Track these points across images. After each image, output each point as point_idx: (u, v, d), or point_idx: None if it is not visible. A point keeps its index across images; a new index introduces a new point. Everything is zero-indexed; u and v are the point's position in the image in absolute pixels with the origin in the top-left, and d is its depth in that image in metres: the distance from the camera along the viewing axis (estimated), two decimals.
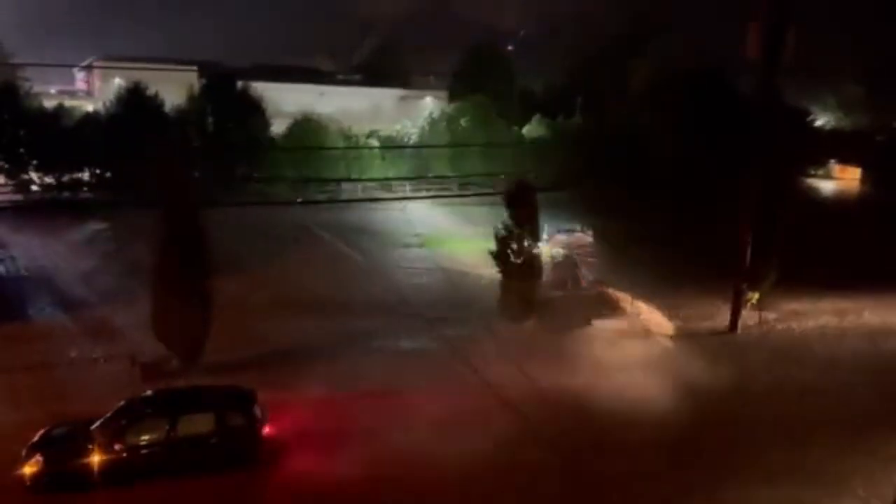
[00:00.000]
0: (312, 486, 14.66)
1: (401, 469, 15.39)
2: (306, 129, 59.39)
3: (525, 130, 63.43)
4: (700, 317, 25.96)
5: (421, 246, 38.63)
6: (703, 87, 48.41)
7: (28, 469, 13.77)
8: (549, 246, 31.04)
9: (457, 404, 18.42)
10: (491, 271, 25.34)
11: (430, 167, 58.24)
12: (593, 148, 52.16)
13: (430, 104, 73.46)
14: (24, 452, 14.10)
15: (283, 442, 15.82)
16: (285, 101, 61.09)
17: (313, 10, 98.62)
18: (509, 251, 23.54)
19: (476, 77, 65.65)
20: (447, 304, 27.06)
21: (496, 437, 16.86)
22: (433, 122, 65.61)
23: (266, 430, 15.32)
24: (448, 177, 57.09)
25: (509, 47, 78.33)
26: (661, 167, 44.91)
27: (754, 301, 25.69)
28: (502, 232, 23.73)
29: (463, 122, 63.20)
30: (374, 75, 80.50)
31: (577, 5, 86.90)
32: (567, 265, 29.80)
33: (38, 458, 13.91)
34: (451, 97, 68.55)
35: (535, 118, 63.48)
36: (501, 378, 20.19)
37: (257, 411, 15.43)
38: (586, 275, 29.68)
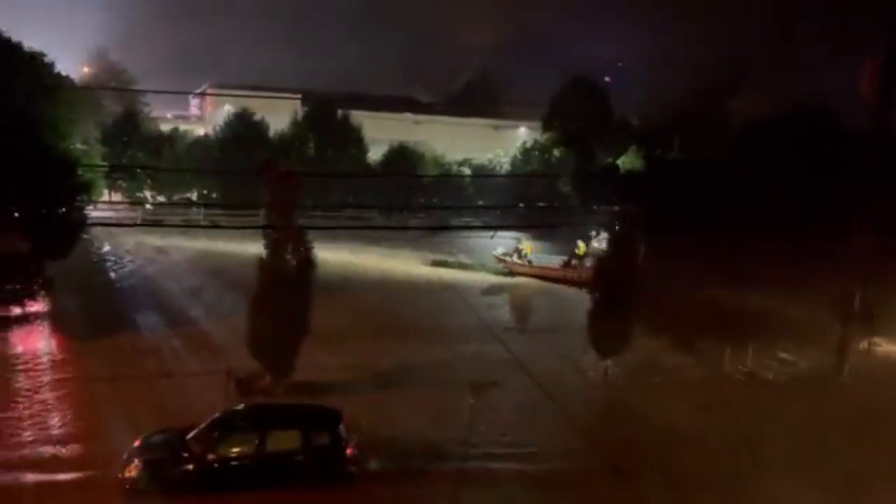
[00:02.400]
0: None
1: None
2: (401, 156, 60.71)
3: (620, 162, 62.58)
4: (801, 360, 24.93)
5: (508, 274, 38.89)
6: (810, 126, 46.45)
7: (128, 473, 14.53)
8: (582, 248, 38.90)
9: None
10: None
11: (522, 196, 58.19)
12: (691, 183, 50.76)
13: (523, 134, 73.64)
14: (124, 456, 14.89)
15: (365, 464, 16.07)
16: (382, 129, 62.72)
17: (411, 41, 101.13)
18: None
19: (571, 107, 65.42)
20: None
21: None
22: (526, 152, 65.76)
23: (350, 450, 15.61)
24: (538, 206, 56.87)
25: (606, 79, 77.74)
26: (763, 208, 43.18)
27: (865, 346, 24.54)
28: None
29: (556, 151, 63.05)
30: (468, 105, 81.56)
31: (677, 39, 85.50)
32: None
33: (138, 462, 14.66)
34: (545, 127, 68.46)
35: (631, 150, 62.58)
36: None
37: (342, 431, 15.75)
38: None
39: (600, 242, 37.30)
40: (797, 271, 33.92)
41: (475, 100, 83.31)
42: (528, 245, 41.59)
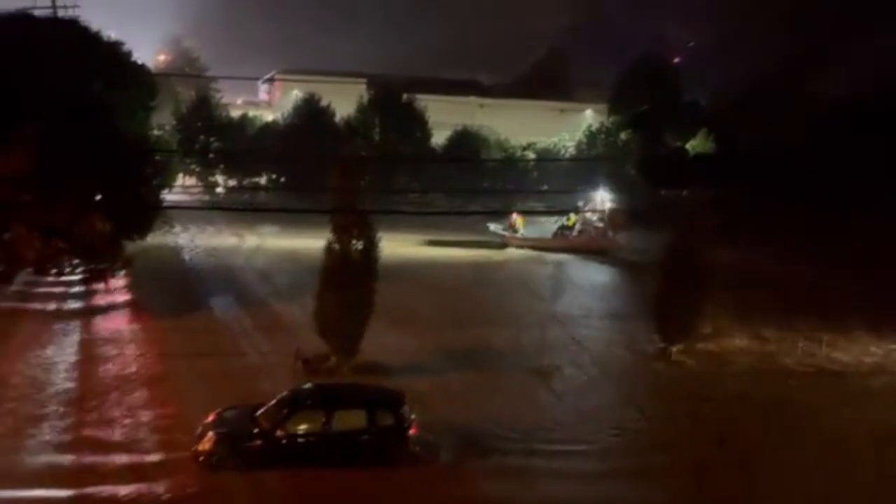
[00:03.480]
0: (456, 488, 14.99)
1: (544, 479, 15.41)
2: (465, 140, 60.64)
3: (689, 145, 61.02)
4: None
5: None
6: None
7: (202, 446, 15.12)
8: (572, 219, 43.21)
9: None
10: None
11: (585, 180, 57.39)
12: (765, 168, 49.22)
13: (589, 117, 72.50)
14: (199, 430, 15.50)
15: (428, 445, 16.30)
16: (446, 112, 62.70)
17: (477, 24, 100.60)
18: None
19: (639, 89, 64.01)
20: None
21: None
22: (591, 135, 64.80)
23: (413, 431, 15.84)
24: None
25: (675, 60, 75.64)
26: (841, 191, 41.60)
27: None
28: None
29: (623, 134, 61.93)
30: (533, 88, 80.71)
31: (750, 16, 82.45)
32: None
33: (211, 436, 15.24)
34: (612, 110, 67.25)
35: (701, 133, 60.93)
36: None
37: (406, 413, 16.00)
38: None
39: (592, 213, 44.53)
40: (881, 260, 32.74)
41: (541, 82, 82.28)
42: (520, 219, 43.74)
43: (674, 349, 23.10)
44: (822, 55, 63.31)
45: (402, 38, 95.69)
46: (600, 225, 43.40)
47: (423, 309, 27.75)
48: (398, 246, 34.94)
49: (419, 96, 61.83)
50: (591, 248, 41.82)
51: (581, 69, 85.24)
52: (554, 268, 38.51)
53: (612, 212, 44.30)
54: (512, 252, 42.37)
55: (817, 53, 64.04)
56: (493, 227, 43.95)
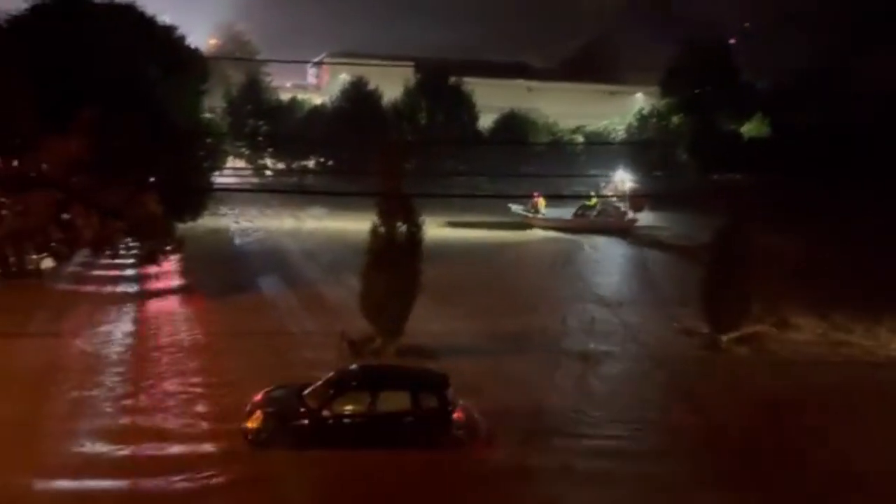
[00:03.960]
0: (501, 472, 15.01)
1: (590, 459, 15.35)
2: (512, 124, 60.23)
3: (745, 129, 59.47)
4: None
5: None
6: None
7: (250, 424, 15.44)
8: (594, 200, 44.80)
9: None
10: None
11: (635, 165, 56.47)
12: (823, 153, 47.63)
13: (640, 100, 71.19)
14: (247, 408, 15.83)
15: (472, 428, 16.34)
16: (494, 96, 62.30)
17: (525, 6, 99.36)
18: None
19: (692, 72, 62.46)
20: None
21: None
22: (642, 118, 63.69)
23: (457, 414, 15.89)
24: (653, 175, 55.14)
25: (731, 41, 73.53)
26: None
27: None
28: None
29: (675, 118, 60.67)
30: (582, 70, 79.53)
31: None
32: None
33: (259, 415, 15.55)
34: (664, 93, 65.81)
35: (757, 116, 59.28)
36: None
37: (450, 395, 16.05)
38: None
39: (616, 193, 47.09)
40: None
41: (590, 65, 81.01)
42: (541, 200, 44.77)
43: (724, 337, 22.64)
44: (884, 35, 60.74)
45: (450, 21, 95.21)
46: (620, 206, 45.09)
47: (462, 290, 27.75)
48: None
49: (466, 79, 61.54)
50: (610, 228, 43.01)
51: (632, 51, 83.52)
52: (584, 248, 39.09)
53: (633, 193, 46.66)
54: (537, 233, 43.45)
55: (878, 33, 61.46)
56: (514, 207, 44.89)
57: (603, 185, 48.56)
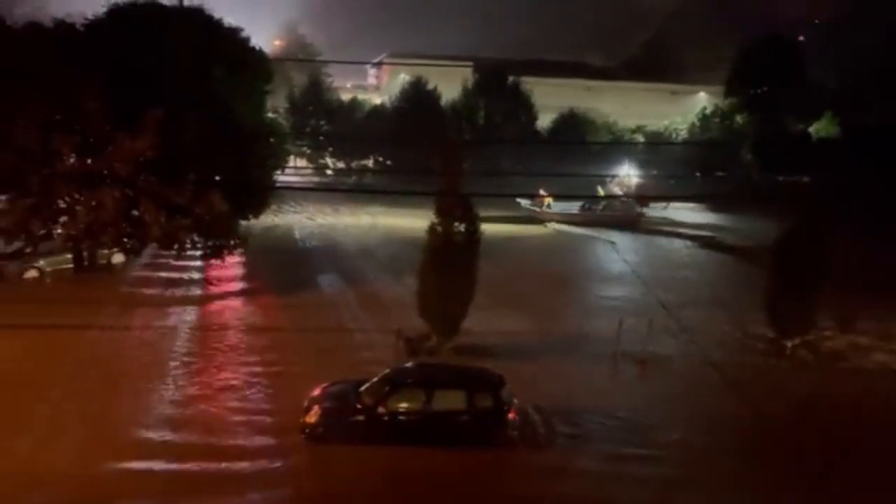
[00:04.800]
0: (555, 473, 14.93)
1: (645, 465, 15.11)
2: (571, 123, 59.68)
3: (812, 129, 57.51)
4: None
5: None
6: None
7: (308, 419, 15.72)
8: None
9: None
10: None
11: (699, 165, 55.29)
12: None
13: (703, 99, 69.60)
14: (305, 404, 16.12)
15: (528, 429, 16.28)
16: (552, 95, 61.84)
17: (586, 5, 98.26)
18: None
19: (758, 70, 60.64)
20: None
21: None
22: (705, 118, 62.28)
23: (512, 414, 15.85)
24: (718, 176, 53.88)
25: (799, 38, 71.13)
26: None
27: None
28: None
29: (739, 117, 59.10)
30: (644, 69, 78.20)
31: None
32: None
33: (317, 410, 15.82)
34: (728, 92, 64.11)
35: (826, 116, 57.23)
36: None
37: (505, 395, 16.02)
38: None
39: (621, 187, 49.75)
40: None
41: (652, 64, 79.57)
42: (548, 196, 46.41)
43: (789, 342, 21.95)
44: None
45: (509, 21, 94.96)
46: (626, 199, 46.47)
47: (510, 287, 27.65)
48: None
49: (525, 79, 61.25)
50: (617, 221, 44.09)
51: (695, 49, 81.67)
52: (615, 244, 39.47)
53: (640, 187, 48.90)
54: (551, 226, 44.82)
55: None
56: (523, 202, 46.07)
57: (609, 181, 50.50)
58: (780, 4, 78.12)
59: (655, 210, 48.24)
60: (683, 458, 15.75)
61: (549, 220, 45.48)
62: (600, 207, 46.06)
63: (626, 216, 44.73)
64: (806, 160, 47.28)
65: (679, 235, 42.60)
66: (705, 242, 40.21)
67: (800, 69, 62.21)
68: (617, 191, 49.80)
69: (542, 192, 44.79)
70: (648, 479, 14.84)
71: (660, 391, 19.28)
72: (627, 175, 50.94)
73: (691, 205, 51.18)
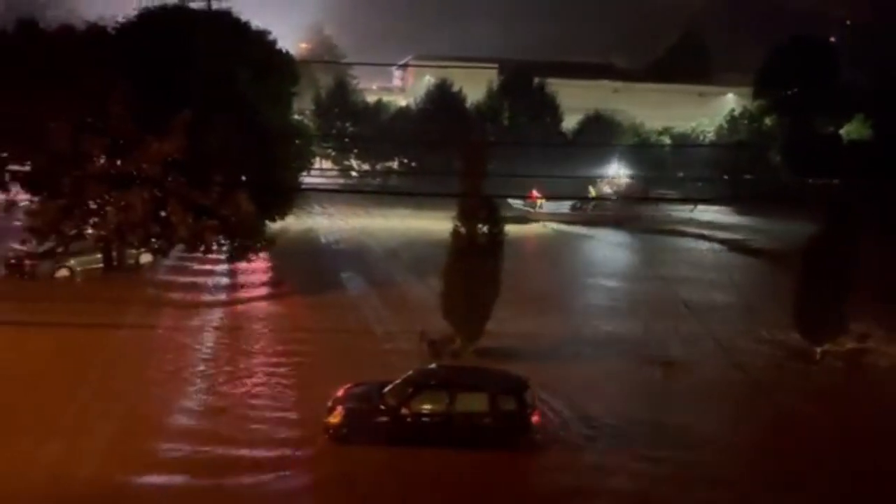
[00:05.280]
0: (579, 476, 14.85)
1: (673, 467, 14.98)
2: (597, 125, 59.35)
3: (843, 131, 56.54)
4: None
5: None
6: None
7: (331, 419, 15.79)
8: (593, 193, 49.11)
9: None
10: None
11: (726, 167, 54.62)
12: None
13: (731, 101, 68.78)
14: (329, 404, 16.19)
15: (551, 431, 16.21)
16: (578, 97, 61.53)
17: (612, 6, 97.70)
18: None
19: (788, 72, 59.67)
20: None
21: None
22: (733, 120, 61.56)
23: (535, 418, 15.78)
24: (746, 178, 53.18)
25: (830, 39, 69.97)
26: None
27: None
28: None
29: (768, 120, 58.32)
30: (671, 71, 77.46)
31: None
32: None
33: (340, 411, 15.87)
34: (757, 93, 63.26)
35: (858, 118, 56.23)
36: None
37: (529, 398, 15.95)
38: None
39: (611, 187, 50.45)
40: None
41: (679, 66, 78.78)
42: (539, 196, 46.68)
43: (819, 349, 21.59)
44: None
45: (535, 23, 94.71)
46: (617, 199, 47.66)
47: (527, 287, 27.47)
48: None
49: (551, 80, 61.03)
50: (607, 219, 44.61)
51: (723, 51, 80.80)
52: (621, 244, 40.04)
53: (630, 186, 49.89)
54: (546, 226, 45.38)
55: None
56: (514, 203, 45.92)
57: (599, 180, 51.52)
58: (810, 5, 77.04)
59: (682, 211, 47.83)
60: (707, 461, 15.57)
61: (542, 220, 46.02)
62: (590, 207, 46.71)
63: (617, 215, 44.90)
64: (836, 163, 46.51)
65: (702, 237, 42.03)
66: (733, 245, 39.66)
67: (831, 70, 61.16)
68: (607, 190, 50.72)
69: (535, 192, 44.83)
70: (672, 480, 14.71)
71: (685, 394, 19.08)
72: (617, 175, 51.61)
73: (717, 207, 50.59)
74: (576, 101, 60.26)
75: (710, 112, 66.41)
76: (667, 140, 62.17)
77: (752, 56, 66.20)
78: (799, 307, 21.64)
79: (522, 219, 44.88)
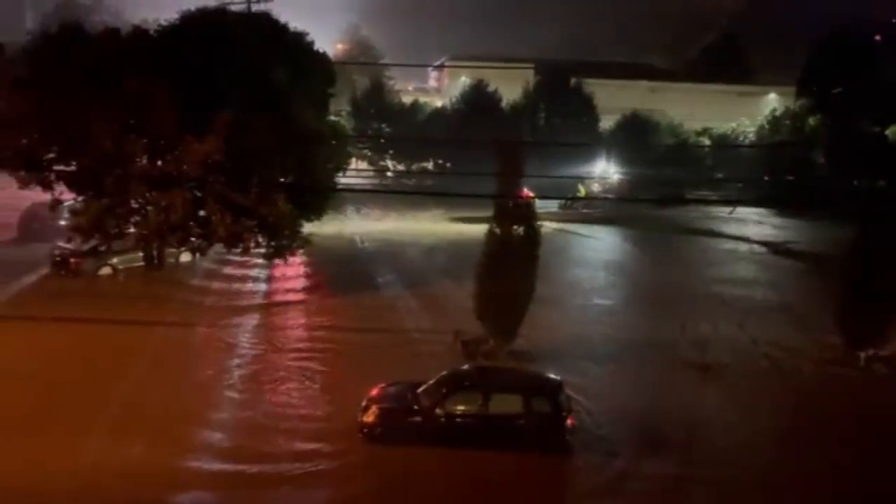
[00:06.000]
0: (615, 480, 14.74)
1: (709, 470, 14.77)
2: (633, 125, 58.72)
3: (890, 132, 55.03)
4: None
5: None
6: None
7: (366, 418, 15.89)
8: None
9: None
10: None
11: (768, 168, 53.55)
12: None
13: (773, 101, 67.43)
14: (363, 403, 16.29)
15: (585, 434, 16.09)
16: (615, 97, 60.88)
17: (649, 5, 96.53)
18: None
19: (831, 70, 58.18)
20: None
21: None
22: (774, 120, 60.38)
23: (570, 420, 15.68)
24: (788, 180, 52.03)
25: (876, 37, 68.08)
26: None
27: None
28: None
29: (811, 120, 57.04)
30: (710, 70, 76.20)
31: None
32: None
33: (374, 410, 15.97)
34: (799, 93, 61.86)
35: None
36: None
37: (563, 401, 15.86)
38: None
39: (602, 186, 50.59)
40: None
41: (718, 64, 77.47)
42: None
43: (863, 354, 21.05)
44: None
45: (572, 23, 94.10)
46: (606, 196, 47.65)
47: (556, 288, 27.22)
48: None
49: (587, 81, 60.51)
50: (597, 218, 44.18)
51: (765, 50, 79.19)
52: (632, 242, 39.87)
53: (620, 183, 49.74)
54: (550, 226, 43.57)
55: None
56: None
57: (588, 179, 51.21)
58: (854, 2, 75.19)
59: (722, 212, 47.04)
60: (737, 462, 15.32)
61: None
62: (581, 206, 46.44)
63: (607, 214, 44.33)
64: (881, 164, 45.30)
65: (741, 239, 41.24)
66: (774, 248, 38.74)
67: (875, 69, 59.54)
68: (597, 189, 50.41)
69: (525, 190, 44.33)
70: (709, 483, 14.56)
71: (722, 398, 18.79)
72: (606, 173, 51.29)
73: (758, 209, 49.60)
74: (613, 102, 59.61)
75: (750, 112, 65.20)
76: (706, 140, 61.20)
77: (793, 55, 64.79)
78: (841, 311, 21.17)
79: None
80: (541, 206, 44.86)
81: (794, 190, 52.19)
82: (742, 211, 47.75)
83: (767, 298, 28.49)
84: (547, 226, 43.81)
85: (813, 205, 45.50)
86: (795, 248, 38.27)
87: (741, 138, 60.74)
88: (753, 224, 45.40)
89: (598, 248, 39.07)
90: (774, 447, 16.33)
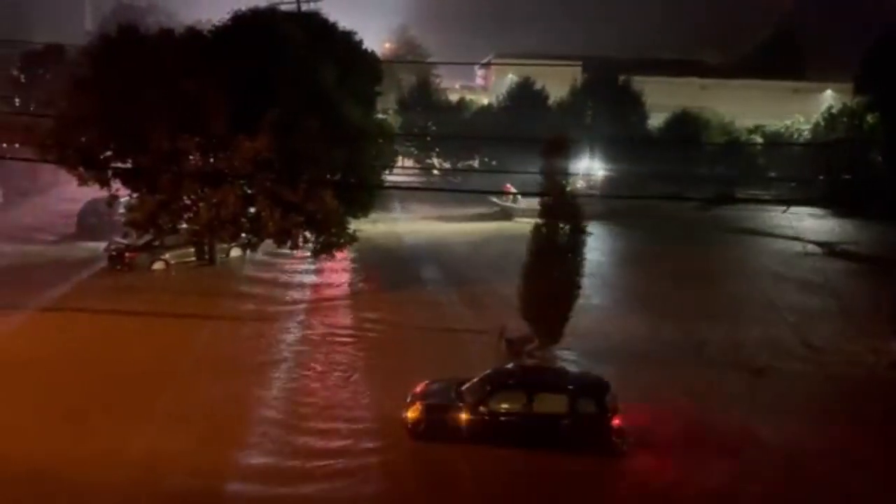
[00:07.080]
0: (662, 483, 14.56)
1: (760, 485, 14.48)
2: (684, 123, 57.71)
3: None
4: None
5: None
6: None
7: (410, 414, 16.01)
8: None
9: None
10: None
11: (823, 167, 51.96)
12: None
13: (829, 97, 65.51)
14: (408, 399, 16.42)
15: (632, 436, 15.93)
16: (665, 94, 59.87)
17: (701, 3, 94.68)
18: None
19: (891, 67, 56.22)
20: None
21: None
22: (831, 117, 58.64)
23: (616, 421, 15.54)
24: (844, 179, 50.41)
25: None
26: None
27: None
28: None
29: (869, 118, 55.25)
30: (763, 67, 74.34)
31: None
32: None
33: (419, 406, 16.08)
34: (857, 89, 59.93)
35: None
36: None
37: (609, 401, 15.72)
38: None
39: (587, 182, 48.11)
40: None
41: (772, 61, 75.53)
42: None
43: None
44: None
45: (621, 19, 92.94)
46: (596, 192, 45.99)
47: (598, 287, 27.12)
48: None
49: (636, 78, 59.67)
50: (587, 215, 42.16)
51: (822, 45, 76.94)
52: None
53: (605, 179, 49.16)
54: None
55: None
56: (494, 199, 45.84)
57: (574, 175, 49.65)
58: None
59: (774, 212, 45.89)
60: (798, 470, 14.98)
61: (526, 216, 44.81)
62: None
63: (594, 209, 43.05)
64: None
65: (795, 239, 40.09)
66: (829, 249, 37.64)
67: None
68: (581, 185, 48.53)
69: (509, 186, 42.69)
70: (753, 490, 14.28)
71: (774, 402, 18.39)
72: (591, 169, 49.80)
73: (812, 209, 48.24)
74: (662, 99, 58.62)
75: (805, 109, 63.43)
76: (758, 138, 59.78)
77: (851, 51, 62.79)
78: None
79: (507, 215, 44.25)
80: (529, 202, 44.16)
81: (849, 189, 50.58)
82: (796, 210, 46.52)
83: (823, 301, 27.72)
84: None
85: (870, 205, 43.99)
86: (850, 249, 37.13)
87: (796, 136, 59.13)
88: (808, 223, 44.19)
89: (622, 245, 38.43)
90: (826, 450, 15.91)
